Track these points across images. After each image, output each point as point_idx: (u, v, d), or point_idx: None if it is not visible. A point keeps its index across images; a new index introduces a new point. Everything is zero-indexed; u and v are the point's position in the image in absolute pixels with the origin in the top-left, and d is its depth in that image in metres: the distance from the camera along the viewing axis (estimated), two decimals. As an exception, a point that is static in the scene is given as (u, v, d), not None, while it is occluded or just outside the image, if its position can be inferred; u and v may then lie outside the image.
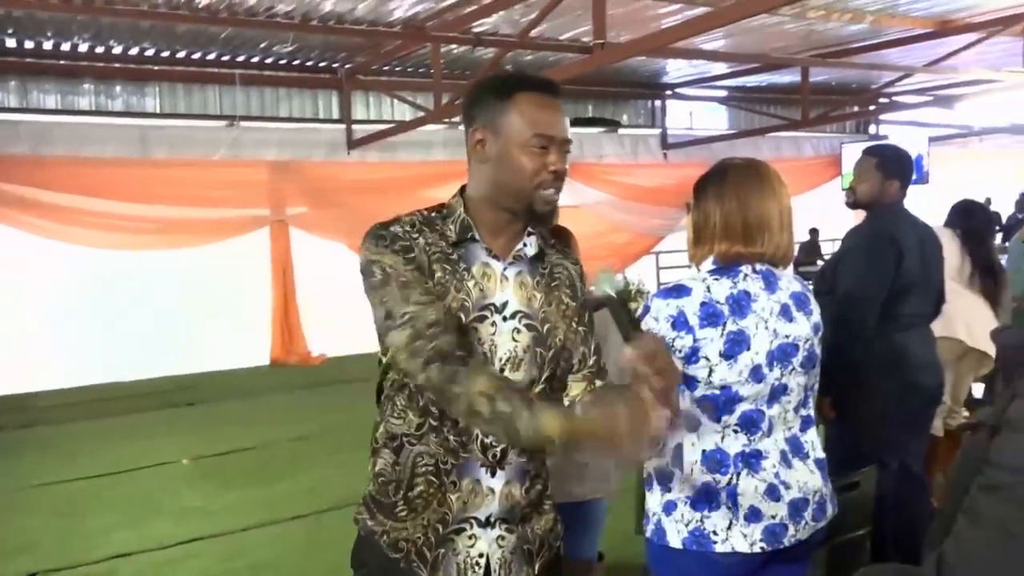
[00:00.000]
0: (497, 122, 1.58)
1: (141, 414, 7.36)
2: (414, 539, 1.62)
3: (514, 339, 1.60)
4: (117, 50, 8.29)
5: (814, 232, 12.07)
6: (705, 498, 1.80)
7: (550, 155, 1.58)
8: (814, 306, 1.93)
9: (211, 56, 8.69)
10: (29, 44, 7.92)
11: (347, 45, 8.49)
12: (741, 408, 1.80)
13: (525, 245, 1.66)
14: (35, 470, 5.67)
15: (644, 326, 1.84)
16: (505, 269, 1.63)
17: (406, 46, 8.25)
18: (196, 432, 6.71)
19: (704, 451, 1.82)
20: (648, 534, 1.91)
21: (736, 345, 1.78)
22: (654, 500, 1.89)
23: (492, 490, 1.63)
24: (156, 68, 8.78)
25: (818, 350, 1.93)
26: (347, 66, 9.35)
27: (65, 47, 8.07)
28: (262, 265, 9.31)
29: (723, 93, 12.02)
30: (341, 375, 8.75)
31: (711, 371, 1.78)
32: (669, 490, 1.85)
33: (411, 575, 1.62)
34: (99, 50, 8.24)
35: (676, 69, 10.62)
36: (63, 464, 5.50)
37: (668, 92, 11.81)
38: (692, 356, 1.79)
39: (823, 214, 10.98)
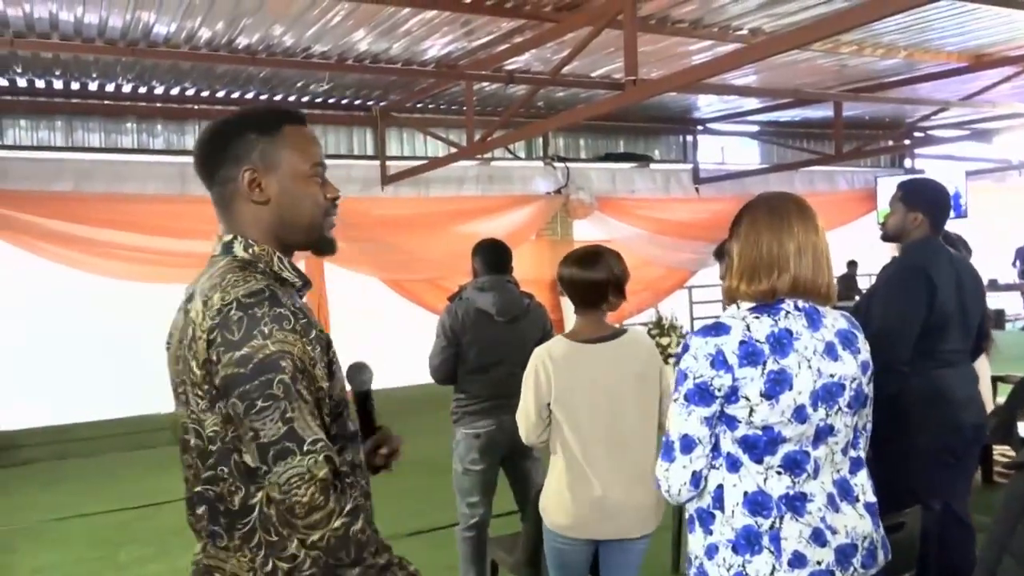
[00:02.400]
0: (271, 156, 1.50)
1: (174, 447, 7.40)
2: None
3: None
4: (159, 90, 8.50)
5: (852, 265, 11.86)
6: (747, 542, 1.76)
7: (327, 184, 1.57)
8: (862, 344, 1.89)
9: (250, 95, 8.87)
10: (75, 85, 8.15)
11: (382, 83, 8.63)
12: (784, 449, 1.76)
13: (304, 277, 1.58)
14: (68, 501, 5.72)
15: (683, 364, 1.82)
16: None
17: (439, 84, 8.36)
18: (229, 466, 6.71)
19: (746, 493, 1.78)
20: (690, 578, 1.87)
21: (777, 385, 1.74)
22: (696, 542, 1.85)
23: None
24: (196, 107, 8.98)
25: (867, 389, 1.88)
26: (381, 103, 9.50)
27: (109, 88, 8.29)
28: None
29: (755, 128, 12.00)
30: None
31: (752, 411, 1.75)
32: (711, 533, 1.81)
33: None
34: (142, 90, 8.46)
35: (707, 104, 10.64)
36: (96, 496, 5.55)
37: (700, 127, 11.82)
38: (732, 396, 1.76)
39: (861, 249, 10.87)
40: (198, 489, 1.44)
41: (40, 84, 8.06)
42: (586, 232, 10.51)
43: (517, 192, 10.65)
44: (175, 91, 8.57)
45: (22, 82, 7.96)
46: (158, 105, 8.84)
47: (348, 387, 1.61)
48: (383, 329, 9.64)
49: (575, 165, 11.05)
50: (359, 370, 1.66)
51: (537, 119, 9.37)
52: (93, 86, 8.21)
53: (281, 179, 1.50)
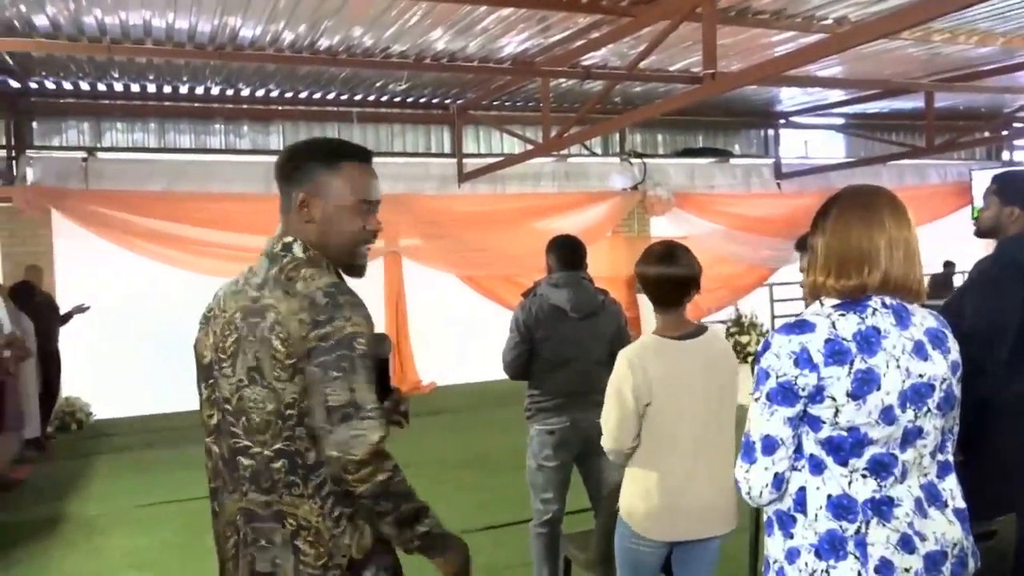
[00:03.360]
0: (325, 186, 1.73)
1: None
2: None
3: None
4: (245, 92, 8.77)
5: (949, 265, 11.25)
6: (831, 547, 1.69)
7: (370, 217, 1.77)
8: (952, 344, 1.80)
9: (331, 96, 9.08)
10: (167, 89, 8.49)
11: (459, 81, 8.70)
12: (871, 451, 1.69)
13: None
14: (157, 488, 5.93)
15: (764, 362, 1.77)
16: None
17: (516, 81, 8.38)
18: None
19: (829, 496, 1.71)
20: (768, 582, 1.82)
21: (864, 384, 1.67)
22: (775, 546, 1.79)
23: None
24: (280, 108, 9.25)
25: (957, 391, 1.79)
26: (458, 101, 9.58)
27: (199, 91, 8.61)
28: (376, 295, 9.57)
29: (840, 120, 11.63)
30: (449, 403, 8.86)
31: (837, 411, 1.68)
32: (791, 536, 1.76)
33: None
34: (229, 92, 8.75)
35: (790, 97, 10.37)
36: (183, 483, 5.74)
37: (782, 120, 11.53)
38: (816, 395, 1.69)
39: (954, 245, 10.38)
40: (278, 446, 1.63)
41: (135, 88, 8.42)
42: (663, 228, 10.38)
43: (593, 188, 10.60)
44: (260, 93, 8.84)
45: (118, 86, 8.33)
46: (244, 107, 9.13)
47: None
48: (459, 324, 9.71)
49: (652, 161, 10.92)
50: (380, 340, 1.79)
51: (614, 115, 9.30)
52: (183, 89, 8.53)
53: (326, 206, 1.73)
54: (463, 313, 9.68)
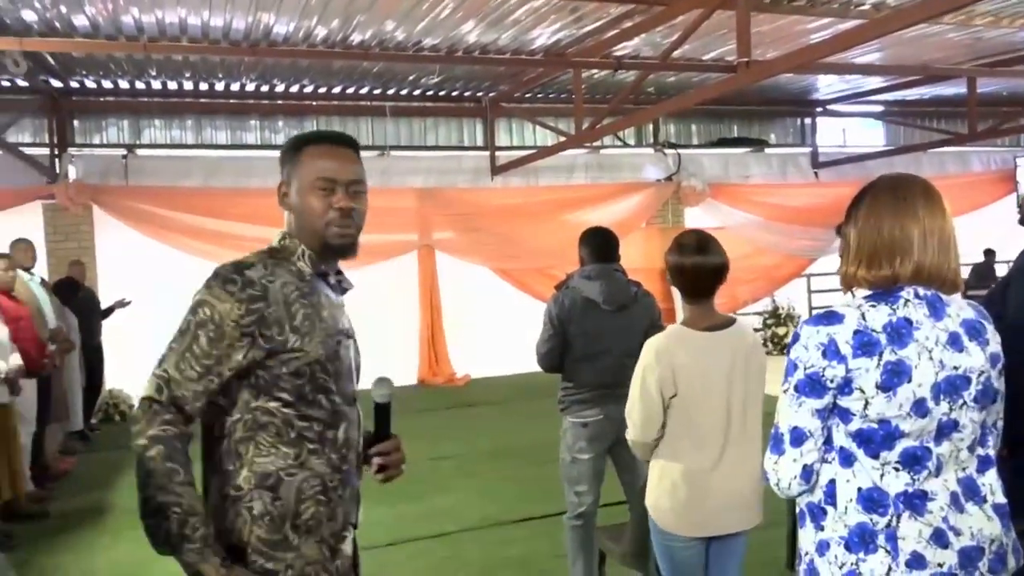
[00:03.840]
0: (292, 173, 1.79)
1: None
2: (315, 560, 1.71)
3: (353, 357, 1.87)
4: (279, 88, 8.87)
5: (989, 253, 10.96)
6: (860, 539, 1.67)
7: (335, 195, 1.76)
8: (992, 335, 1.76)
9: (364, 90, 9.14)
10: (203, 86, 8.61)
11: (491, 74, 8.70)
12: (903, 444, 1.67)
13: (340, 279, 1.88)
14: (195, 480, 6.04)
15: (793, 354, 1.75)
16: (337, 298, 1.85)
17: (548, 73, 8.36)
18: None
19: (860, 489, 1.69)
20: (801, 574, 1.80)
21: (895, 376, 1.65)
22: (807, 538, 1.78)
23: (359, 493, 1.85)
24: (314, 103, 9.33)
25: (998, 384, 1.75)
26: (491, 94, 9.58)
27: (234, 87, 8.72)
28: (410, 288, 9.64)
29: (879, 108, 11.41)
30: (483, 396, 8.90)
31: (867, 403, 1.66)
32: (822, 528, 1.74)
33: None
34: (264, 88, 8.85)
35: (827, 85, 10.20)
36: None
37: (819, 108, 11.35)
38: (845, 387, 1.67)
39: (997, 233, 10.14)
40: None
41: (172, 86, 8.55)
42: (698, 219, 10.29)
43: (627, 180, 10.54)
44: (294, 88, 8.93)
45: (156, 84, 8.47)
46: (279, 102, 9.24)
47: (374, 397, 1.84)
48: (492, 317, 9.73)
49: (686, 151, 10.84)
50: (380, 384, 1.82)
51: (647, 105, 9.24)
52: (219, 86, 8.65)
53: (294, 191, 1.79)
54: (497, 306, 9.70)
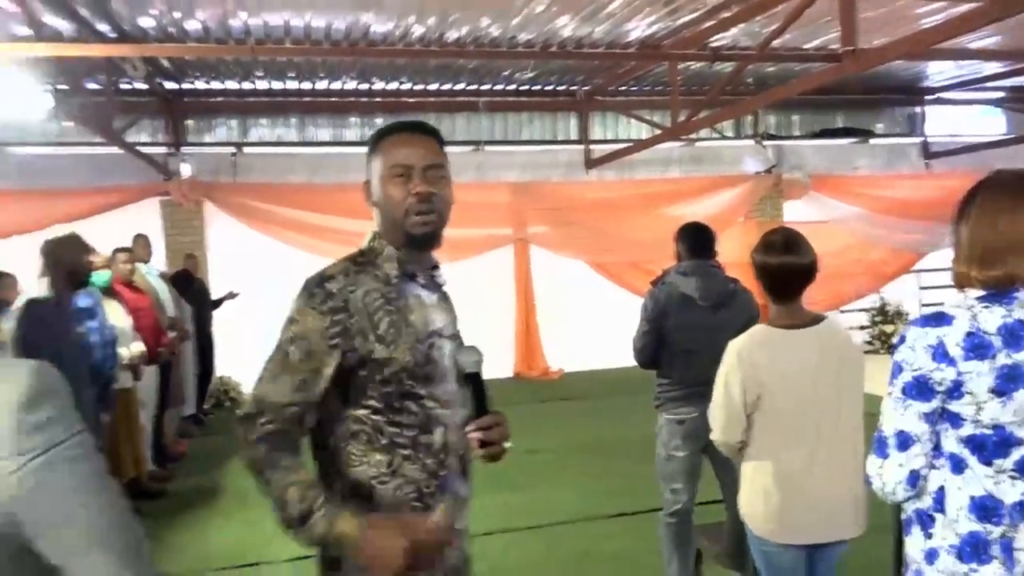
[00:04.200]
0: (372, 168, 1.76)
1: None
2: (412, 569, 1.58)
3: (452, 356, 1.77)
4: (378, 86, 9.08)
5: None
6: (973, 549, 1.61)
7: (412, 181, 1.70)
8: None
9: (459, 86, 9.26)
10: (306, 85, 8.91)
11: (586, 68, 8.68)
12: (1019, 452, 1.60)
13: (435, 273, 1.82)
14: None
15: (899, 356, 1.70)
16: (431, 296, 1.79)
17: (643, 65, 8.28)
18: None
19: (972, 497, 1.63)
20: (906, 583, 1.75)
21: (1010, 381, 1.58)
22: (914, 546, 1.73)
23: (465, 498, 1.78)
24: (411, 100, 9.51)
25: None
26: (585, 88, 9.56)
27: (336, 86, 8.99)
28: (506, 282, 9.73)
29: (999, 94, 10.79)
30: (577, 390, 8.91)
31: (979, 408, 1.60)
32: (931, 536, 1.69)
33: None
34: (363, 87, 9.09)
35: (939, 71, 9.72)
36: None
37: (930, 96, 10.83)
38: (955, 391, 1.61)
39: None
40: None
41: (277, 86, 8.88)
42: (798, 213, 10.00)
43: (724, 173, 10.34)
44: (392, 86, 9.13)
45: (262, 84, 8.81)
46: (378, 100, 9.46)
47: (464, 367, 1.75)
48: (587, 311, 9.72)
49: (787, 143, 10.54)
50: (466, 352, 1.75)
51: (745, 96, 9.02)
52: (321, 85, 8.93)
53: (375, 185, 1.75)
54: (591, 300, 9.69)
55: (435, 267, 1.83)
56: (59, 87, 6.64)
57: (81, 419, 1.13)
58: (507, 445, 1.77)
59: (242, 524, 5.08)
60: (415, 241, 1.73)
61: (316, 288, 1.66)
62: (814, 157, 10.58)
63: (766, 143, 10.45)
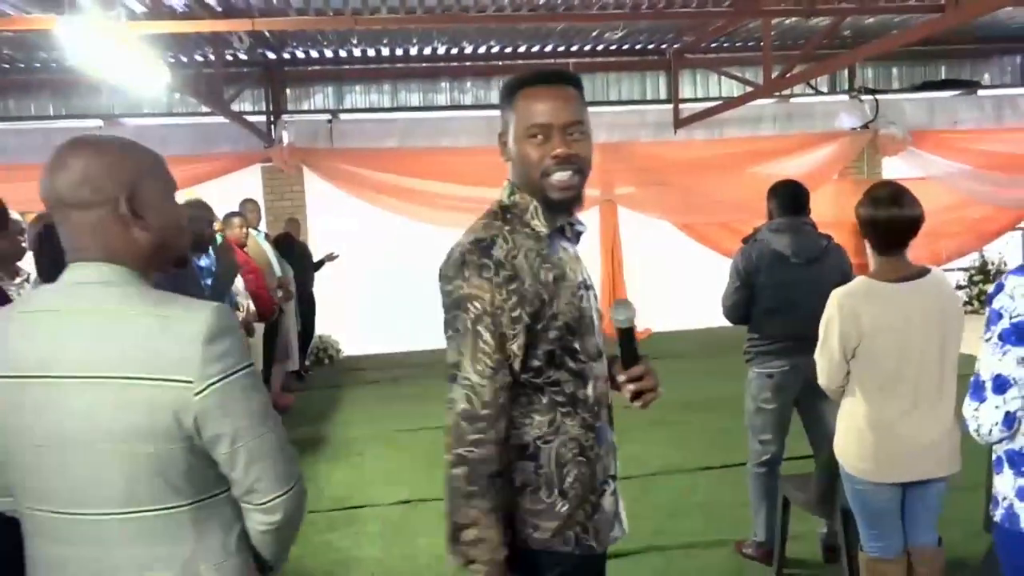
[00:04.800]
0: (508, 120, 1.67)
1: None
2: (580, 521, 1.65)
3: (594, 307, 1.74)
4: (468, 50, 9.22)
5: None
6: (1062, 487, 1.69)
7: (552, 141, 1.61)
8: None
9: (548, 48, 9.31)
10: (399, 51, 9.12)
11: (675, 26, 8.60)
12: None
13: (572, 224, 1.74)
14: (403, 417, 6.58)
15: (996, 303, 1.76)
16: (573, 247, 1.75)
17: (735, 21, 8.14)
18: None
19: (1063, 438, 1.70)
20: (997, 519, 1.83)
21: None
22: (1005, 484, 1.80)
23: (615, 444, 1.79)
24: (501, 63, 9.62)
25: None
26: (675, 46, 9.46)
27: (427, 51, 9.17)
28: (592, 243, 9.81)
29: (1119, 40, 10.15)
30: (666, 350, 8.94)
31: (1073, 354, 1.66)
32: (1022, 474, 1.76)
33: (586, 554, 1.67)
34: (453, 51, 9.23)
35: (1053, 17, 9.20)
36: (424, 414, 6.33)
37: (1042, 44, 10.27)
38: (1051, 337, 1.68)
39: None
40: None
41: (371, 53, 9.12)
42: (897, 169, 9.70)
43: (819, 129, 10.09)
44: (482, 50, 9.24)
45: (357, 52, 9.07)
46: (468, 64, 9.60)
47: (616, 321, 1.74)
48: (674, 272, 9.73)
49: (886, 97, 10.19)
50: (620, 308, 1.72)
51: (842, 50, 8.77)
52: (414, 51, 9.12)
53: (511, 140, 1.68)
54: (678, 260, 9.69)
55: (570, 216, 1.75)
56: (173, 60, 7.02)
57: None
58: (660, 390, 1.77)
59: (347, 470, 5.42)
60: (553, 205, 1.66)
61: (483, 258, 1.57)
62: (914, 111, 10.21)
63: (863, 97, 10.14)
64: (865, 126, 10.05)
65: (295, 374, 8.10)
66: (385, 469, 5.42)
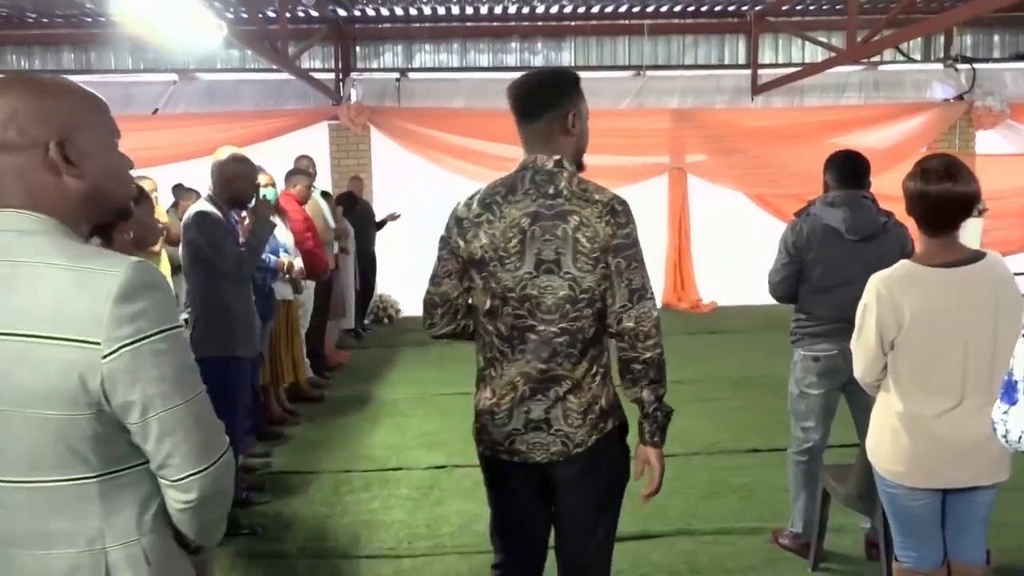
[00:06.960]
0: (579, 106, 2.09)
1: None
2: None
3: None
4: (539, 9, 8.99)
5: None
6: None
7: None
8: None
9: (622, 9, 9.00)
10: (469, 10, 8.96)
11: (756, -14, 8.18)
12: None
13: None
14: (450, 380, 6.53)
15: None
16: None
17: (820, -19, 7.68)
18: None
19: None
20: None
21: None
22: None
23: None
24: (573, 24, 9.36)
25: None
26: (756, 7, 9.02)
27: (497, 10, 8.98)
28: (659, 212, 9.54)
29: None
30: (728, 325, 8.70)
31: None
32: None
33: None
34: (524, 11, 9.02)
35: None
36: (472, 378, 6.29)
37: None
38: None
39: None
40: (563, 325, 2.03)
41: (440, 11, 8.99)
42: (991, 143, 9.10)
43: (908, 99, 9.52)
44: (554, 9, 9.01)
45: (427, 10, 8.95)
46: (539, 24, 9.38)
47: None
48: (744, 244, 9.38)
49: (984, 66, 9.52)
50: None
51: (936, 14, 8.19)
52: (483, 9, 8.95)
53: (582, 121, 2.10)
54: (748, 232, 9.33)
55: None
56: (234, 15, 7.04)
57: (176, 316, 1.24)
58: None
59: (389, 432, 5.42)
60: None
61: (628, 205, 2.06)
62: (1015, 82, 9.51)
63: (959, 66, 9.49)
64: (960, 97, 9.43)
65: (352, 332, 8.17)
66: (426, 431, 5.40)
